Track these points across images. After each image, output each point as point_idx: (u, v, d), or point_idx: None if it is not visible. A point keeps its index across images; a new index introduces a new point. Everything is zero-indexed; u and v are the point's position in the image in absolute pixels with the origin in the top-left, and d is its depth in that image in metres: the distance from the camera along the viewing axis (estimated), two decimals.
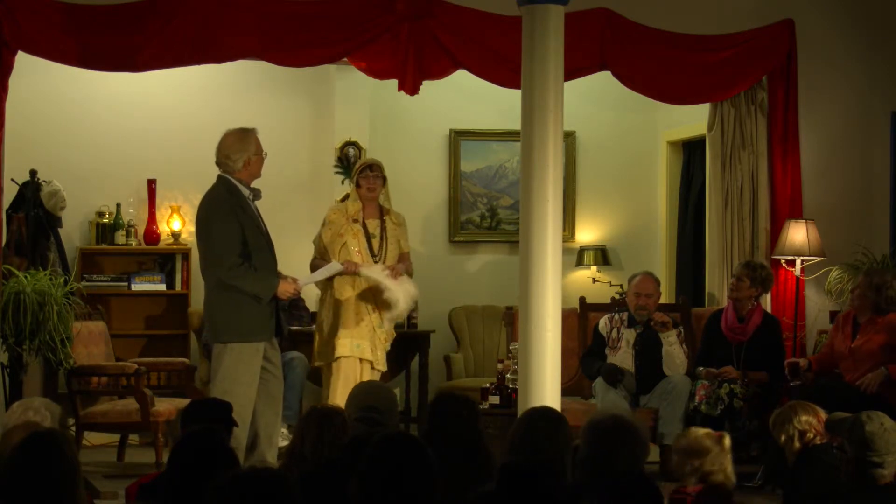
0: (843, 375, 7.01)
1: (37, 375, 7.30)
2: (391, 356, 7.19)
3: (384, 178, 7.06)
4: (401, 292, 6.91)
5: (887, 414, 6.27)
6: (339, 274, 6.87)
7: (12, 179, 7.58)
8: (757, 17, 8.12)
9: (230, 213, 6.15)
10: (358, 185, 7.04)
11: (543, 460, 3.42)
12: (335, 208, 7.12)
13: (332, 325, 6.94)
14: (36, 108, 8.49)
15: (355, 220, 6.98)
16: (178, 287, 8.81)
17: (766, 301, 7.92)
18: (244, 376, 6.12)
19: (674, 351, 7.27)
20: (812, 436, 4.86)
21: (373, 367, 6.92)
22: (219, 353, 6.19)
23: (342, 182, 8.53)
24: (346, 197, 7.19)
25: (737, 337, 7.34)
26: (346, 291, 6.90)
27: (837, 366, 7.12)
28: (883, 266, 7.66)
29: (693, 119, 8.83)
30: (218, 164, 6.29)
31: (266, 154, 6.35)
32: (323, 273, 6.84)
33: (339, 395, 6.67)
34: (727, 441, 4.33)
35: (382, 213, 7.08)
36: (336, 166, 7.31)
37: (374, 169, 7.03)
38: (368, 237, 6.99)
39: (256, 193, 6.30)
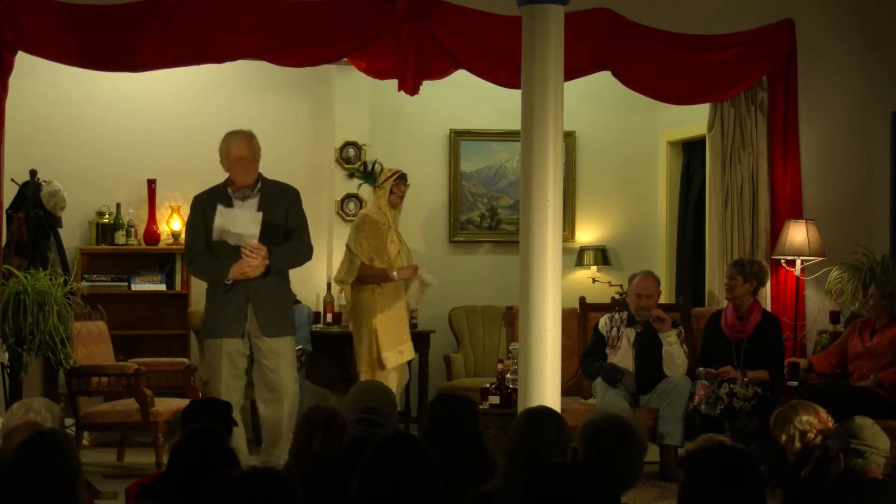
0: (852, 375, 7.02)
1: (37, 375, 7.30)
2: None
3: None
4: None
5: (886, 413, 6.28)
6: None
7: (12, 179, 7.58)
8: (757, 17, 8.12)
9: (196, 210, 6.46)
10: (390, 192, 7.28)
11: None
12: (376, 213, 7.29)
13: (372, 342, 7.19)
14: (36, 108, 8.49)
15: (390, 227, 7.27)
16: (177, 287, 8.82)
17: (766, 300, 7.92)
18: (213, 372, 6.44)
19: (674, 351, 7.27)
20: (813, 436, 4.86)
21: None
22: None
23: (358, 187, 8.57)
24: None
25: (737, 335, 7.35)
26: (385, 308, 7.22)
27: (842, 366, 7.14)
28: (883, 266, 7.66)
29: (693, 119, 8.83)
30: None
31: (256, 156, 6.44)
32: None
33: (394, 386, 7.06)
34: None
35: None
36: (358, 170, 7.38)
37: (406, 179, 7.34)
38: (402, 243, 7.38)
39: (243, 194, 6.42)
